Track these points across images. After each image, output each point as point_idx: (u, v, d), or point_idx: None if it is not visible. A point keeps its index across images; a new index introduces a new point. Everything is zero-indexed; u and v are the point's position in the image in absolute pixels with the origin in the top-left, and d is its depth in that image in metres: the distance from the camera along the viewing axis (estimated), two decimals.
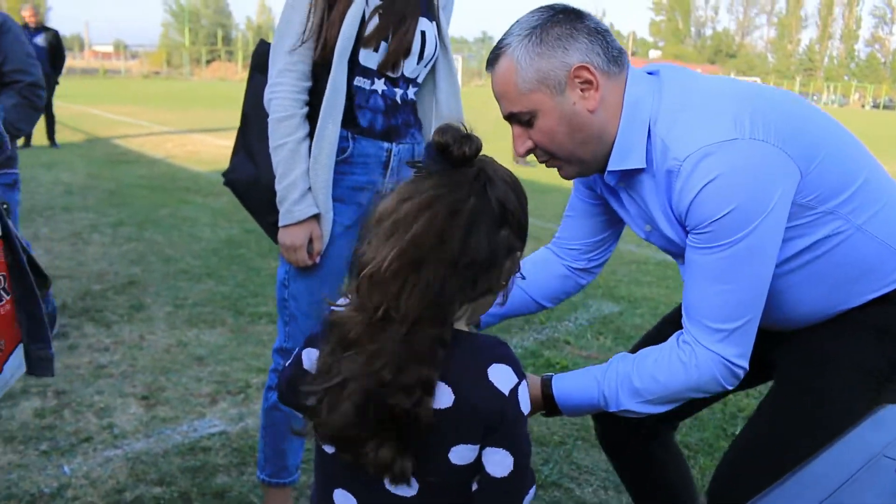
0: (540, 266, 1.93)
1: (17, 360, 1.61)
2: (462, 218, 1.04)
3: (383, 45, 2.03)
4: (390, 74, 2.08)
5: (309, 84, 2.04)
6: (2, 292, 1.52)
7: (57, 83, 11.56)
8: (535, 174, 10.17)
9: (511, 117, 1.54)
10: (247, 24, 78.18)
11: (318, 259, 2.08)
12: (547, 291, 1.93)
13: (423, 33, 2.10)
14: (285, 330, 2.21)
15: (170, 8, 71.81)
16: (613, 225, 1.89)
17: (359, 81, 2.05)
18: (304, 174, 2.02)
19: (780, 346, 1.70)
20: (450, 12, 2.26)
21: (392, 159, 2.13)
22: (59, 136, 11.83)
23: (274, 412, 2.25)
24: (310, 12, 2.00)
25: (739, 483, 1.61)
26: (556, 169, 1.60)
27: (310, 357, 1.16)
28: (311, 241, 2.05)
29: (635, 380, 1.55)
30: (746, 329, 1.48)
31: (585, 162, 1.57)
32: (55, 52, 11.11)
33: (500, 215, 1.09)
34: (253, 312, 4.28)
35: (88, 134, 13.38)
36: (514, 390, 1.06)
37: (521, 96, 1.49)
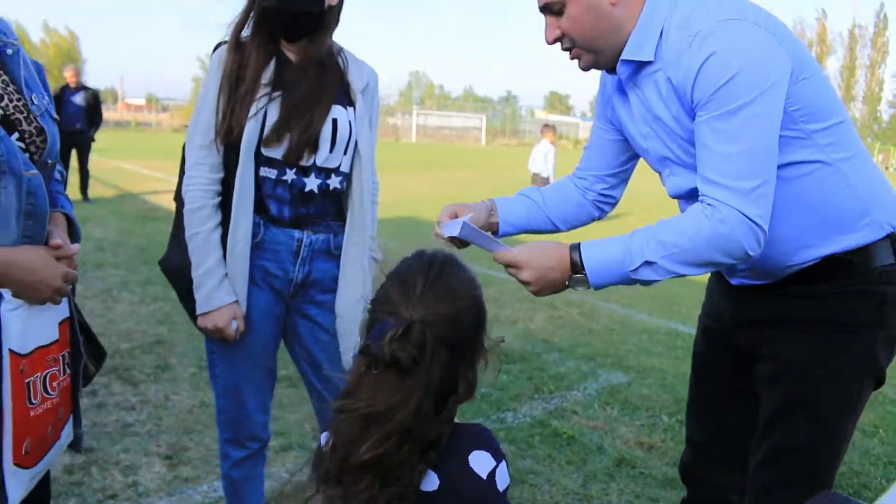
0: (560, 192, 2.16)
1: (70, 427, 1.80)
2: (431, 394, 1.23)
3: (287, 135, 2.14)
4: (302, 164, 2.18)
5: (220, 175, 2.18)
6: (66, 367, 1.70)
7: (93, 140, 11.98)
8: (559, 237, 10.35)
9: (545, 7, 1.77)
10: None
11: (237, 337, 2.20)
12: (563, 215, 2.14)
13: (334, 121, 2.20)
14: (217, 420, 2.42)
15: (203, 63, 73.35)
16: (624, 162, 2.12)
17: (265, 171, 2.17)
18: (219, 261, 2.16)
19: (763, 353, 1.89)
20: (372, 93, 2.34)
21: (303, 249, 2.23)
22: (92, 191, 12.22)
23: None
24: (217, 108, 2.14)
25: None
26: (576, 61, 1.82)
27: (325, 438, 1.34)
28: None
29: (661, 233, 1.65)
30: (764, 191, 1.58)
31: (602, 51, 1.78)
32: (93, 111, 11.55)
33: (450, 380, 1.27)
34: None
35: (120, 189, 13.76)
36: (492, 473, 1.25)
37: None
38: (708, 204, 1.62)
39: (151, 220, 10.32)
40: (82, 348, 1.78)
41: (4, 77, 1.60)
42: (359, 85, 2.29)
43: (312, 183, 2.21)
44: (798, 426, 1.81)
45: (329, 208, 2.29)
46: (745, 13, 1.61)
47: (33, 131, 1.62)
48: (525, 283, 1.73)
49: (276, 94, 2.16)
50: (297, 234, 2.22)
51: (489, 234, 1.83)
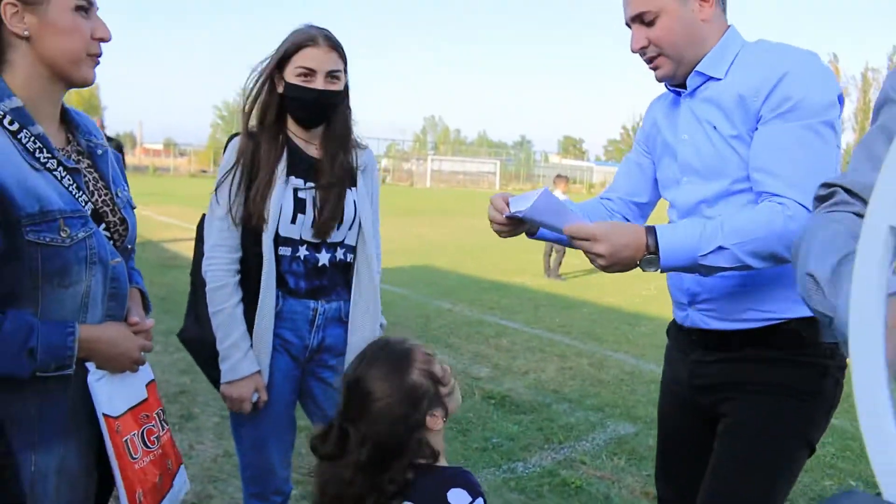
0: (590, 209, 2.29)
1: (182, 477, 1.99)
2: (361, 471, 1.58)
3: (300, 216, 2.36)
4: (311, 240, 2.40)
5: (238, 255, 2.38)
6: (163, 423, 1.92)
7: None
8: (565, 289, 10.52)
9: (636, 17, 1.94)
10: None
11: (260, 406, 2.39)
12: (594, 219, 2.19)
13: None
14: (242, 476, 2.59)
15: (220, 111, 74.67)
16: (648, 193, 2.28)
17: (282, 250, 2.37)
18: (243, 335, 2.34)
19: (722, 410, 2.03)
20: (371, 172, 2.57)
21: (318, 317, 2.43)
22: None
23: None
24: (235, 192, 2.35)
25: None
26: (654, 70, 2.01)
27: None
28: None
29: (735, 222, 1.75)
30: None
31: (684, 62, 1.96)
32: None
33: (386, 454, 1.58)
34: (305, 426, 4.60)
35: (141, 237, 14.02)
36: None
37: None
38: (779, 202, 1.74)
39: (172, 268, 10.54)
40: None
41: (95, 175, 1.83)
42: (360, 166, 2.53)
43: (324, 257, 2.43)
44: (736, 479, 1.95)
45: (339, 279, 2.49)
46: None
47: (117, 222, 1.84)
48: (598, 256, 1.78)
49: (297, 180, 2.39)
50: (312, 304, 2.42)
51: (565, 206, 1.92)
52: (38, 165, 1.63)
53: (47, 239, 1.58)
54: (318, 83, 2.32)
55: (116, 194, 1.85)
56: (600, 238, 1.76)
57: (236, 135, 2.45)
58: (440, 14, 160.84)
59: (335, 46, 2.34)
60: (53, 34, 1.62)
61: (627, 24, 1.99)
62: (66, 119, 1.83)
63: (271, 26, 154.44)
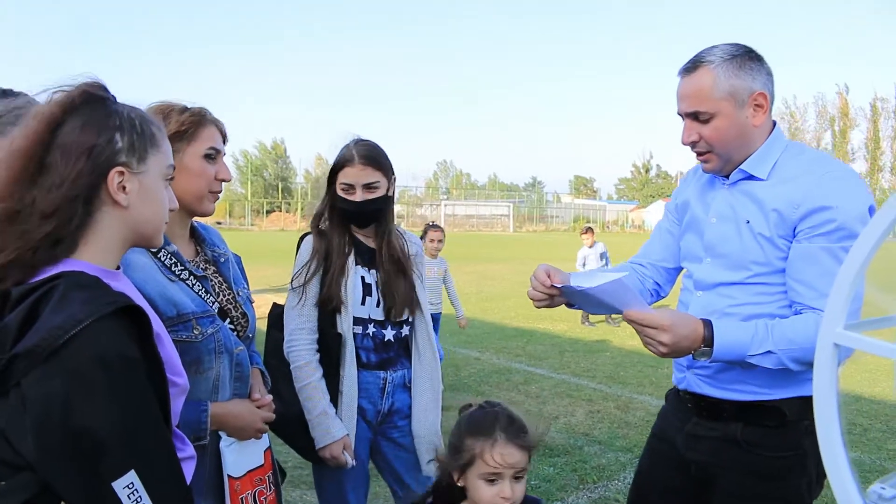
0: (620, 271, 2.34)
1: None
2: None
3: (367, 299, 2.77)
4: (377, 318, 2.79)
5: (316, 336, 2.75)
6: (271, 485, 2.26)
7: None
8: (588, 333, 10.83)
9: (692, 114, 2.04)
10: (305, 175, 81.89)
11: (353, 463, 2.73)
12: None
13: None
14: None
15: (237, 161, 75.77)
16: (676, 260, 2.39)
17: (354, 329, 2.75)
18: (329, 404, 2.69)
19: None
20: (419, 256, 2.98)
21: (387, 385, 2.81)
22: None
23: None
24: (310, 281, 2.76)
25: None
26: (702, 162, 2.12)
27: None
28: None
29: (786, 328, 1.88)
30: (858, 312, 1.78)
31: (731, 160, 2.07)
32: None
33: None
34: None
35: None
36: None
37: (712, 100, 2.00)
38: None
39: None
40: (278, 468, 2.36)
41: (220, 279, 2.22)
42: (411, 251, 2.95)
43: (389, 333, 2.83)
44: None
45: (402, 351, 2.89)
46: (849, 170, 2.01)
47: (239, 316, 2.23)
48: (660, 344, 1.87)
49: (362, 269, 2.81)
50: (382, 374, 2.81)
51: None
52: (173, 277, 2.04)
53: (183, 336, 1.98)
54: (357, 196, 2.73)
55: (238, 293, 2.25)
56: (668, 329, 1.86)
57: (306, 234, 2.89)
58: (446, 62, 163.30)
59: (369, 162, 2.73)
60: (182, 177, 2.02)
61: (679, 115, 2.10)
62: (195, 235, 2.24)
63: (284, 79, 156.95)
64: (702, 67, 2.02)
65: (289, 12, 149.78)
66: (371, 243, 2.87)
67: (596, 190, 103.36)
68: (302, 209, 63.70)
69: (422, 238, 6.84)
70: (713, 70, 2.00)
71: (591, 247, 11.92)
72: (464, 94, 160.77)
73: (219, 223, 56.91)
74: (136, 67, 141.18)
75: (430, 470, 2.77)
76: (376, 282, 2.82)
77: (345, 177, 2.74)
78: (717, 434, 2.14)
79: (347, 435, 2.73)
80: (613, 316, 11.66)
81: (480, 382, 7.68)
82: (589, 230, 12.31)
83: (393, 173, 2.84)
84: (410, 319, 2.91)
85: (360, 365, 2.78)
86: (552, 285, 2.09)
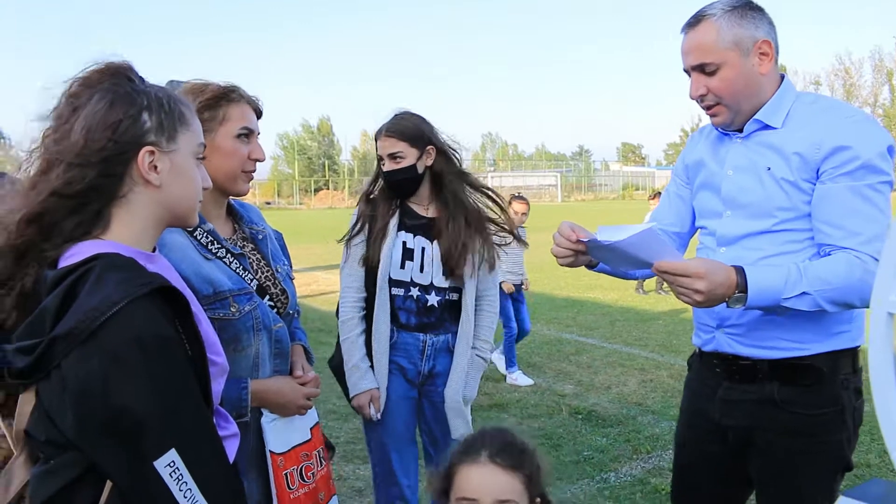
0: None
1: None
2: None
3: (408, 263, 2.88)
4: (422, 283, 2.89)
5: (363, 294, 2.92)
6: (322, 460, 2.28)
7: None
8: (639, 302, 10.72)
9: (697, 67, 2.04)
10: (352, 152, 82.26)
11: (379, 416, 2.85)
12: None
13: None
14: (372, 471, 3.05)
15: (281, 143, 76.36)
16: (685, 225, 2.37)
17: (395, 291, 2.88)
18: (362, 357, 2.86)
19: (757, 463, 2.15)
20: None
21: (427, 348, 2.90)
22: None
23: None
24: (353, 241, 2.92)
25: None
26: (711, 116, 2.12)
27: None
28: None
29: (819, 271, 1.87)
30: None
31: (741, 111, 2.06)
32: None
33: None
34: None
35: None
36: None
37: (717, 51, 2.00)
38: (856, 256, 1.87)
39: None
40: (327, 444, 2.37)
41: (258, 255, 2.22)
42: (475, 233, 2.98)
43: (433, 299, 2.90)
44: None
45: (447, 316, 2.94)
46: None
47: (279, 293, 2.22)
48: (696, 292, 1.84)
49: (406, 234, 2.90)
50: (422, 336, 2.90)
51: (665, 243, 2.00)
52: (209, 255, 2.04)
53: (220, 314, 1.98)
54: (387, 166, 2.88)
55: (277, 269, 2.24)
56: (703, 276, 1.83)
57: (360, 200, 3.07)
58: (488, 34, 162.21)
59: (392, 133, 2.85)
60: (215, 157, 2.00)
61: (686, 71, 2.09)
62: (232, 212, 2.24)
63: (321, 57, 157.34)
64: (704, 21, 2.03)
65: None
66: (424, 212, 2.95)
67: (644, 156, 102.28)
68: (349, 186, 64.15)
69: None
70: (716, 22, 2.01)
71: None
72: (508, 65, 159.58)
73: (268, 203, 57.56)
74: (174, 49, 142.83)
75: (458, 434, 2.85)
76: (422, 248, 2.89)
77: (378, 149, 2.92)
78: (753, 397, 2.11)
79: (377, 388, 2.84)
80: (665, 287, 11.53)
81: (531, 354, 7.65)
82: (657, 195, 12.26)
83: (428, 143, 2.88)
84: (458, 286, 2.94)
85: (400, 325, 2.89)
86: (578, 240, 2.04)
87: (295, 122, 79.74)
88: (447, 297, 2.93)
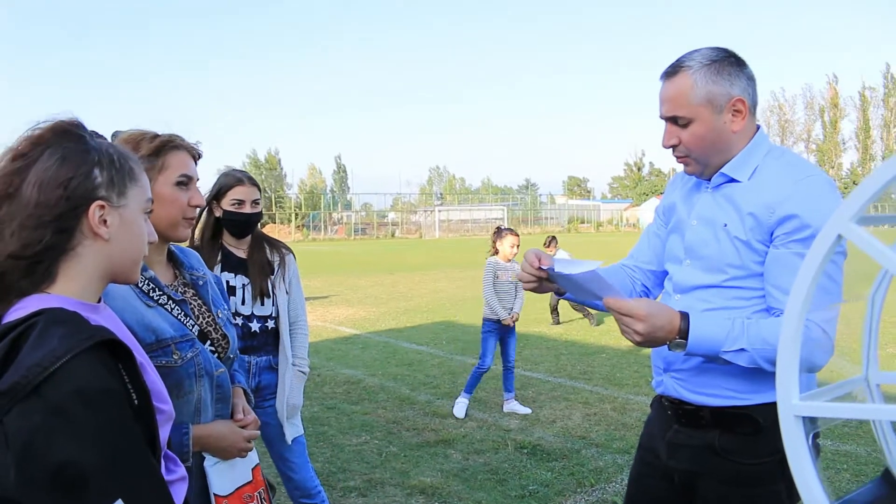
0: (615, 274, 2.42)
1: None
2: None
3: (231, 298, 3.36)
4: (245, 313, 3.41)
5: None
6: (262, 500, 2.27)
7: None
8: (584, 335, 10.86)
9: (671, 118, 2.06)
10: (299, 186, 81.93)
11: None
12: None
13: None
14: None
15: None
16: (662, 264, 2.37)
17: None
18: None
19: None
20: (288, 266, 3.56)
21: (252, 367, 3.40)
22: None
23: None
24: None
25: None
26: (683, 165, 2.15)
27: None
28: None
29: (762, 328, 1.89)
30: (838, 321, 1.82)
31: (710, 165, 2.09)
32: None
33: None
34: (343, 487, 4.96)
35: None
36: None
37: (689, 106, 2.02)
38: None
39: None
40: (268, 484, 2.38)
41: (199, 301, 2.24)
42: (274, 260, 3.54)
43: (255, 326, 3.43)
44: None
45: (269, 339, 3.47)
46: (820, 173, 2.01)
47: (220, 338, 2.25)
48: (635, 333, 1.89)
49: (228, 274, 3.44)
50: (247, 358, 3.37)
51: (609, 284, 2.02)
52: (151, 303, 2.06)
53: (163, 361, 2.00)
54: (247, 209, 3.40)
55: (217, 314, 2.27)
56: (643, 318, 1.88)
57: None
58: (435, 66, 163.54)
59: (255, 183, 3.45)
60: (155, 205, 2.03)
61: (661, 118, 2.12)
62: (173, 258, 2.26)
63: (274, 89, 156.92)
64: (681, 72, 2.04)
65: (274, 21, 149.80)
66: (241, 253, 3.50)
67: (590, 190, 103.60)
68: (297, 219, 63.77)
69: (494, 242, 6.96)
70: (692, 76, 2.02)
71: (554, 254, 12.08)
72: (454, 98, 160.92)
73: None
74: (116, 86, 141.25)
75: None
76: (244, 285, 3.44)
77: (236, 194, 3.41)
78: (697, 442, 2.15)
79: None
80: (592, 311, 11.77)
81: (478, 389, 7.66)
82: (553, 240, 12.51)
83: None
84: (274, 315, 3.49)
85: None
86: (540, 268, 2.13)
87: (244, 154, 79.14)
88: (267, 324, 3.45)
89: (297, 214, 65.63)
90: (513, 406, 6.83)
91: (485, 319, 6.93)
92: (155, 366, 1.65)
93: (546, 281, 2.17)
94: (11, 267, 1.34)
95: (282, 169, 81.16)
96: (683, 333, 1.91)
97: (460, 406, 6.74)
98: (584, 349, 9.89)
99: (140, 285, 2.06)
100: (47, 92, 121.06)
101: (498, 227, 7.16)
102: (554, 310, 12.21)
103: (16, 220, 1.34)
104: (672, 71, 2.07)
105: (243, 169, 3.68)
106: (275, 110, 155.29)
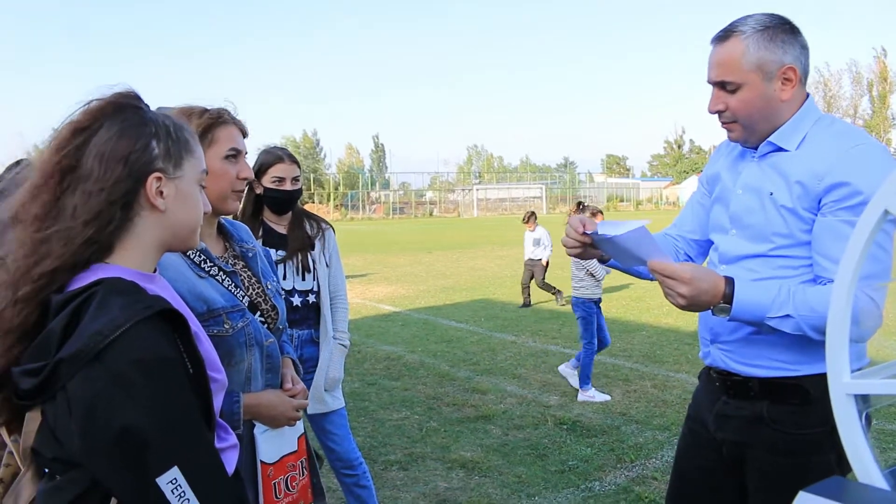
0: (658, 241, 2.37)
1: None
2: None
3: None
4: (286, 288, 3.42)
5: None
6: (304, 469, 2.33)
7: None
8: (623, 313, 10.82)
9: (719, 83, 2.02)
10: (338, 165, 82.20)
11: None
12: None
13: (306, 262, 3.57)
14: None
15: None
16: (707, 233, 2.34)
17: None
18: None
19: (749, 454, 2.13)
20: (327, 242, 3.64)
21: (295, 339, 3.44)
22: None
23: None
24: None
25: None
26: (727, 131, 2.10)
27: None
28: None
29: (808, 295, 1.85)
30: (888, 290, 1.79)
31: (756, 132, 2.04)
32: None
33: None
34: (385, 460, 5.03)
35: None
36: None
37: (740, 71, 1.97)
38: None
39: None
40: (314, 454, 2.43)
41: (248, 273, 2.30)
42: (315, 234, 3.61)
43: (297, 300, 3.48)
44: None
45: (310, 313, 3.52)
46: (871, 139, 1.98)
47: (269, 309, 2.30)
48: (679, 296, 1.88)
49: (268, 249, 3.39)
50: (289, 331, 3.27)
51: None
52: (203, 274, 2.11)
53: (214, 331, 2.04)
54: (287, 186, 3.45)
55: (267, 286, 2.32)
56: (686, 280, 1.87)
57: None
58: (475, 45, 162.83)
59: (295, 160, 3.50)
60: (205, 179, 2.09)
61: (709, 83, 2.08)
62: (223, 231, 2.32)
63: (306, 70, 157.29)
64: (733, 37, 2.00)
65: (313, 6, 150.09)
66: (282, 229, 3.56)
67: (629, 168, 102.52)
68: (334, 199, 64.11)
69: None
70: (744, 41, 1.97)
71: (532, 231, 12.32)
72: (493, 78, 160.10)
73: None
74: (161, 67, 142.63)
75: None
76: (283, 259, 3.48)
77: (277, 171, 3.45)
78: (745, 413, 2.13)
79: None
80: (566, 296, 11.45)
81: (517, 366, 7.73)
82: (532, 215, 12.56)
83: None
84: (315, 289, 3.55)
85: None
86: (584, 233, 2.11)
87: (280, 135, 79.72)
88: (308, 298, 3.50)
89: (335, 194, 65.97)
90: (591, 394, 6.55)
91: (584, 300, 6.88)
92: (209, 335, 1.69)
93: (590, 247, 2.15)
94: (73, 238, 1.38)
95: (320, 149, 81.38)
96: (728, 298, 1.89)
97: (593, 396, 6.50)
98: (624, 326, 9.85)
99: (192, 256, 2.11)
100: (94, 64, 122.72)
101: (579, 203, 7.13)
102: (525, 287, 12.18)
103: (77, 193, 1.38)
104: (724, 35, 2.03)
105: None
106: (312, 91, 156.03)
